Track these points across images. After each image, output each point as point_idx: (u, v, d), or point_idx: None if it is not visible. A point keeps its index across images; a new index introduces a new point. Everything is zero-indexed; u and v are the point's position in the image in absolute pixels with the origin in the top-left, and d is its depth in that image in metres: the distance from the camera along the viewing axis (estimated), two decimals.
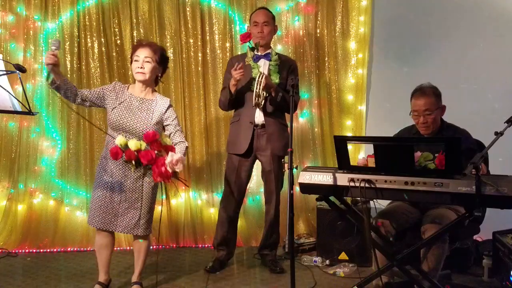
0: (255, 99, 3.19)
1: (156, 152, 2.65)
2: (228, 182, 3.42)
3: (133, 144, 2.63)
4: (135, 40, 4.03)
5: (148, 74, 2.81)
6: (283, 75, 3.34)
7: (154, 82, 2.94)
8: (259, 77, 3.15)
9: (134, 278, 2.99)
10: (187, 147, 2.89)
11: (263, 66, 3.34)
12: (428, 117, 2.78)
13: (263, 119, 3.33)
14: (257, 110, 3.31)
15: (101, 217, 2.81)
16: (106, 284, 2.99)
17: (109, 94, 2.83)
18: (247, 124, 3.32)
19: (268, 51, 3.37)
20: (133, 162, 2.66)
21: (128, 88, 2.89)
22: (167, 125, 2.87)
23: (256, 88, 3.16)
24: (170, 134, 2.87)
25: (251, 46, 3.24)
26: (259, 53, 3.35)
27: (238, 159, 3.37)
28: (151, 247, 3.98)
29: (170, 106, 2.89)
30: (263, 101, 3.24)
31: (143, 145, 2.65)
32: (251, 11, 4.03)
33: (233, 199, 3.42)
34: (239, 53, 3.99)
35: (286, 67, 3.39)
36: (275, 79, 3.29)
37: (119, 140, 2.66)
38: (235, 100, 3.30)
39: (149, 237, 2.99)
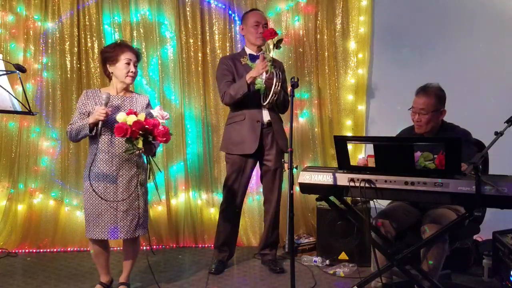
0: (272, 96, 3.18)
1: None
2: (232, 184, 3.39)
3: (134, 118, 2.55)
4: (135, 40, 4.05)
5: (135, 77, 2.88)
6: (288, 76, 3.36)
7: None
8: (276, 75, 3.14)
9: (122, 279, 2.97)
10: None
11: None
12: (422, 117, 2.79)
13: (269, 118, 3.34)
14: (263, 108, 3.31)
15: (101, 227, 2.76)
16: (107, 284, 2.99)
17: (88, 103, 2.79)
18: (254, 123, 3.31)
19: (262, 51, 3.35)
20: (140, 136, 2.55)
21: (100, 91, 2.86)
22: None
23: (275, 86, 3.15)
24: None
25: (274, 43, 3.26)
26: (254, 53, 3.36)
27: (243, 159, 3.35)
28: (152, 247, 4.02)
29: (149, 102, 2.93)
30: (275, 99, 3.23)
31: (142, 116, 2.58)
32: None
33: (236, 200, 3.41)
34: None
35: (277, 67, 3.40)
36: None
37: (121, 115, 2.57)
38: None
39: (139, 238, 2.95)
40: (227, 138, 3.43)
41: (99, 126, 2.66)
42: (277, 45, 3.28)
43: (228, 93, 3.30)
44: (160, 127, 2.58)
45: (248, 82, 3.20)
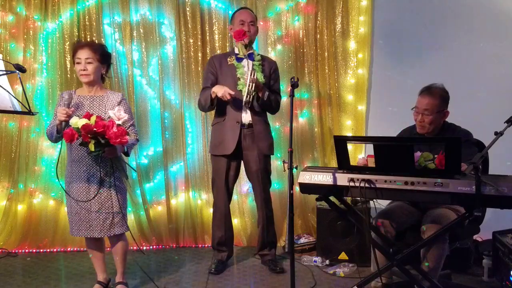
0: (246, 97, 3.18)
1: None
2: (217, 184, 3.41)
3: (84, 121, 2.56)
4: (135, 40, 4.04)
5: (92, 75, 2.81)
6: (266, 75, 3.35)
7: (100, 80, 2.92)
8: (250, 74, 3.14)
9: (118, 278, 2.99)
10: (137, 140, 2.89)
11: (247, 66, 3.32)
12: (426, 117, 2.78)
13: (250, 119, 3.32)
14: (245, 109, 3.30)
15: (77, 226, 2.82)
16: (105, 283, 3.01)
17: (61, 104, 2.78)
18: (234, 124, 3.30)
19: (251, 51, 3.35)
20: (90, 139, 2.56)
21: (75, 92, 2.88)
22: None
23: (248, 86, 3.14)
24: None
25: (246, 43, 3.26)
26: (245, 52, 3.33)
27: (225, 160, 3.36)
28: (152, 247, 4.02)
29: (122, 99, 2.89)
30: (251, 99, 3.22)
31: (93, 119, 2.58)
32: None
33: (223, 200, 3.43)
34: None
35: (268, 67, 3.40)
36: (260, 78, 3.27)
37: (74, 119, 2.59)
38: (219, 99, 3.24)
39: (125, 235, 2.97)
40: (211, 139, 3.46)
41: (62, 126, 2.69)
42: (247, 46, 3.28)
43: (199, 101, 3.37)
44: (114, 128, 2.56)
45: (212, 96, 3.22)
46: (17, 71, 2.45)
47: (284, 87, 3.98)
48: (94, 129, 2.53)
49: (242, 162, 3.45)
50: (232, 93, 3.17)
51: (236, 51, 3.35)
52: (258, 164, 3.36)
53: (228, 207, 3.49)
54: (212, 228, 3.53)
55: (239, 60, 3.31)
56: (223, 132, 3.33)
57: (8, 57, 3.92)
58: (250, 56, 3.32)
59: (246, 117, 3.32)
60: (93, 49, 2.82)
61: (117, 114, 2.66)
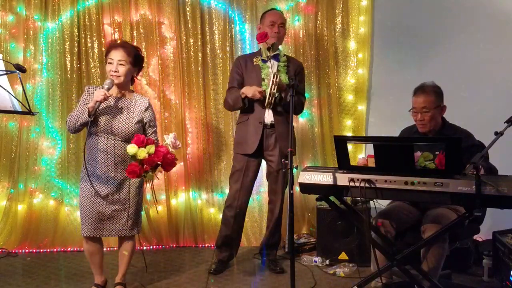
0: (268, 98, 3.18)
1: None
2: (235, 182, 3.40)
3: (143, 153, 2.56)
4: (135, 40, 4.05)
5: (122, 77, 2.77)
6: (291, 76, 3.33)
7: (130, 82, 2.90)
8: (273, 76, 3.15)
9: (118, 279, 2.98)
10: None
11: (272, 66, 3.33)
12: (425, 115, 2.79)
13: (272, 119, 3.33)
14: (267, 110, 3.31)
15: (94, 225, 2.78)
16: (102, 285, 2.99)
17: (89, 100, 2.76)
18: (257, 124, 3.32)
19: (277, 52, 3.37)
20: (150, 169, 2.59)
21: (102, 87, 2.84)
22: (146, 124, 2.87)
23: (270, 88, 3.16)
24: (147, 134, 2.87)
25: (269, 45, 3.27)
26: (268, 54, 3.35)
27: (246, 159, 3.36)
28: (151, 247, 4.02)
29: (150, 105, 2.89)
30: (273, 100, 3.23)
31: (152, 148, 2.58)
32: (251, 11, 4.06)
33: (240, 199, 3.40)
34: (239, 53, 4.01)
35: (293, 69, 3.40)
36: (284, 79, 3.28)
37: (131, 149, 2.56)
38: (250, 99, 3.26)
39: (134, 238, 2.96)
40: (235, 137, 3.49)
41: (96, 106, 2.65)
42: (269, 48, 3.28)
43: (227, 101, 3.38)
44: (169, 156, 2.63)
45: (242, 97, 3.24)
46: (17, 71, 2.45)
47: None
48: (158, 162, 2.59)
49: (263, 162, 3.46)
50: (261, 89, 3.20)
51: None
52: (280, 164, 3.34)
53: (243, 209, 3.45)
54: (221, 226, 3.47)
55: (265, 60, 3.34)
56: (246, 131, 3.35)
57: (8, 57, 3.91)
58: (276, 57, 3.35)
59: (268, 117, 3.33)
60: (127, 51, 2.78)
61: (173, 142, 2.69)
